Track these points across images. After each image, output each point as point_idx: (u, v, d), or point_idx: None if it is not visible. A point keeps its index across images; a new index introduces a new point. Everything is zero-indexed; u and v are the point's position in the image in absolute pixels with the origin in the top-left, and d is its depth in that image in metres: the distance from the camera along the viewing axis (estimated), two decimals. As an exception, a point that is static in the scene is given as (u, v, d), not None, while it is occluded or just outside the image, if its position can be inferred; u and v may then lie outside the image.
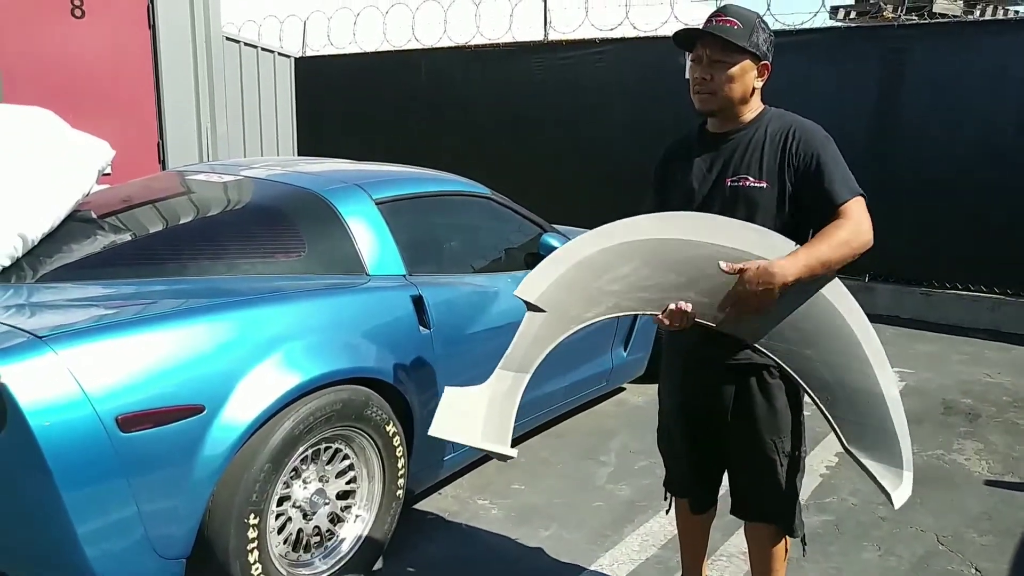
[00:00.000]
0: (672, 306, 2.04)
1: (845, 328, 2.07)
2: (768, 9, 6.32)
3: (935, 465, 3.82)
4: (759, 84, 2.12)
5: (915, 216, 6.34)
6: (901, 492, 2.09)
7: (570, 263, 2.11)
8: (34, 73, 5.52)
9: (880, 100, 6.47)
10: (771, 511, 2.28)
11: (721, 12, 2.10)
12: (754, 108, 2.15)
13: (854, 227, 2.01)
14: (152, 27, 6.11)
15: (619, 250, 2.08)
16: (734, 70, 2.07)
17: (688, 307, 2.03)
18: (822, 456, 3.84)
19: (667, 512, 2.63)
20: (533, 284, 2.13)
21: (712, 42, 2.06)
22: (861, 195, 2.05)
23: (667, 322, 2.06)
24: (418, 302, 2.94)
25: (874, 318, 6.62)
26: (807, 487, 3.49)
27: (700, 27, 2.10)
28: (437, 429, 2.21)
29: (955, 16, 6.96)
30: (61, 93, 5.59)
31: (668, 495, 2.57)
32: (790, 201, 2.08)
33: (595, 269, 2.09)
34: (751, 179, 2.09)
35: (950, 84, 6.15)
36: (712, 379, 2.21)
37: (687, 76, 7.15)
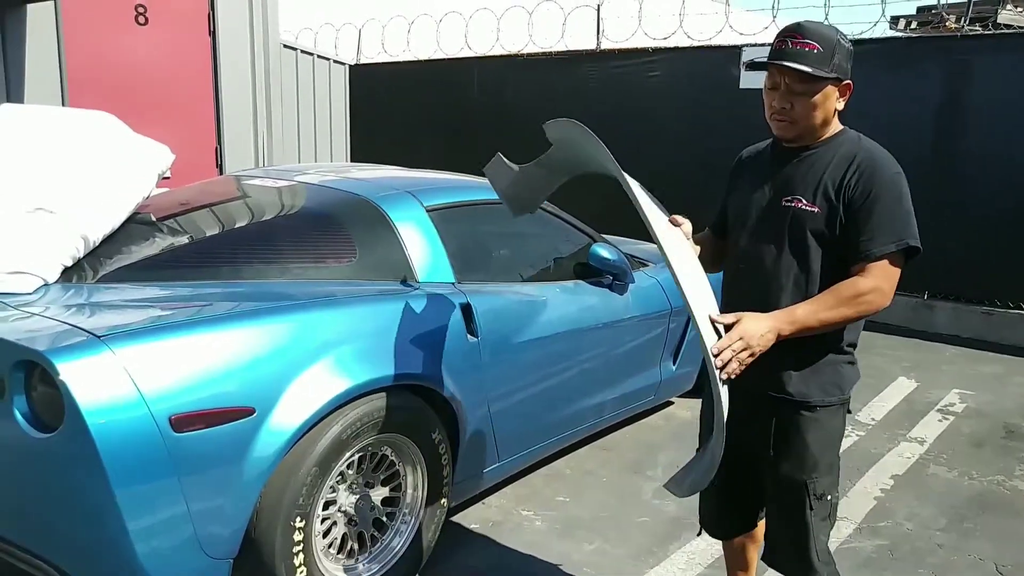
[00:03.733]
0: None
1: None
2: (826, 18, 6.21)
3: (995, 491, 3.68)
4: (840, 105, 2.00)
5: (977, 233, 6.15)
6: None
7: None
8: (98, 78, 5.68)
9: (941, 113, 6.30)
10: (793, 560, 2.11)
11: (796, 31, 1.92)
12: (831, 126, 2.03)
13: (869, 288, 1.89)
14: (212, 34, 6.25)
15: None
16: (816, 98, 1.94)
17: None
18: (876, 478, 3.73)
19: (698, 535, 2.54)
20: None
21: (792, 71, 1.91)
22: (911, 246, 1.90)
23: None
24: (467, 310, 2.94)
25: (933, 336, 6.46)
26: (861, 510, 3.40)
27: (776, 59, 1.93)
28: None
29: (1021, 27, 6.74)
30: (124, 97, 5.75)
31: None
32: (841, 231, 1.94)
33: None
34: (804, 201, 1.98)
35: (1015, 97, 5.96)
36: (750, 410, 2.05)
37: (741, 87, 7.07)
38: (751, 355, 1.85)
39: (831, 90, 1.94)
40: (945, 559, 3.08)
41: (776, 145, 2.11)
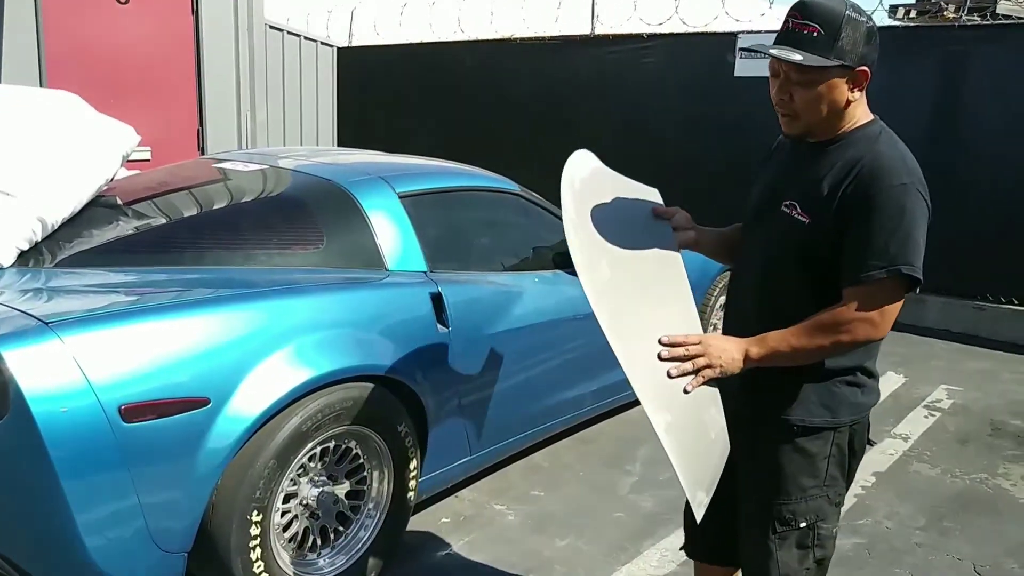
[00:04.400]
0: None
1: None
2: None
3: (978, 489, 3.63)
4: (856, 96, 1.71)
5: (970, 227, 6.07)
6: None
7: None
8: (78, 59, 5.59)
9: (937, 104, 6.21)
10: None
11: (798, 10, 1.67)
12: (853, 119, 1.74)
13: (852, 317, 1.64)
14: (195, 14, 6.15)
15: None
16: (820, 88, 1.68)
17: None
18: (858, 475, 3.62)
19: (680, 549, 2.31)
20: None
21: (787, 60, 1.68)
22: (907, 275, 1.62)
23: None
24: (437, 299, 2.87)
25: (923, 331, 6.40)
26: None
27: (773, 44, 1.70)
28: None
29: (1019, 17, 6.65)
30: (104, 79, 5.67)
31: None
32: (830, 249, 1.69)
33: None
34: (798, 208, 1.74)
35: (1013, 88, 5.87)
36: (730, 426, 1.84)
37: (736, 74, 6.94)
38: (709, 366, 1.67)
39: (836, 79, 1.67)
40: (923, 558, 3.03)
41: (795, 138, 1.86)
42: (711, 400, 1.76)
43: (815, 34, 1.64)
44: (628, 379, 1.63)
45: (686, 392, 1.67)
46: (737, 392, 1.84)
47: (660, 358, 1.67)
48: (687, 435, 1.70)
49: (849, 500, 3.40)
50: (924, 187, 1.68)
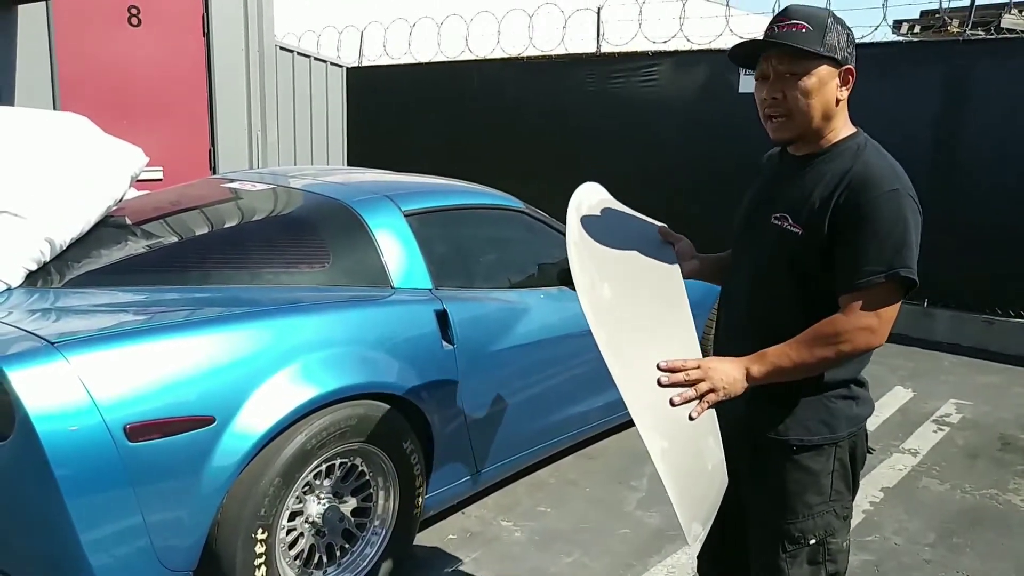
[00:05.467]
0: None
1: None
2: (827, 23, 6.11)
3: (987, 505, 3.60)
4: (843, 95, 1.74)
5: (978, 240, 6.05)
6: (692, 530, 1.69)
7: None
8: (90, 80, 5.66)
9: (942, 119, 6.20)
10: None
11: (783, 16, 1.73)
12: (838, 129, 1.77)
13: (852, 326, 1.64)
14: (206, 36, 6.22)
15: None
16: (810, 81, 1.69)
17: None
18: (866, 491, 3.65)
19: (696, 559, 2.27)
20: None
21: (779, 52, 1.71)
22: (903, 278, 1.63)
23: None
24: (442, 317, 2.88)
25: (932, 345, 6.34)
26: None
27: (760, 38, 1.76)
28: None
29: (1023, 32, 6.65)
30: (117, 100, 5.73)
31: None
32: (824, 262, 1.70)
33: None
34: (789, 220, 1.74)
35: (1018, 102, 5.86)
36: (728, 448, 1.81)
37: (740, 91, 6.95)
38: (712, 391, 1.65)
39: (827, 73, 1.70)
40: (932, 575, 3.00)
41: (784, 152, 1.89)
42: (709, 430, 1.74)
43: (804, 30, 1.69)
44: (624, 401, 1.63)
45: (691, 419, 1.64)
46: (733, 415, 1.83)
47: (660, 384, 1.65)
48: (683, 462, 1.68)
49: (857, 516, 3.39)
50: (914, 192, 1.70)
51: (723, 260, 2.09)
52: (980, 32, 6.41)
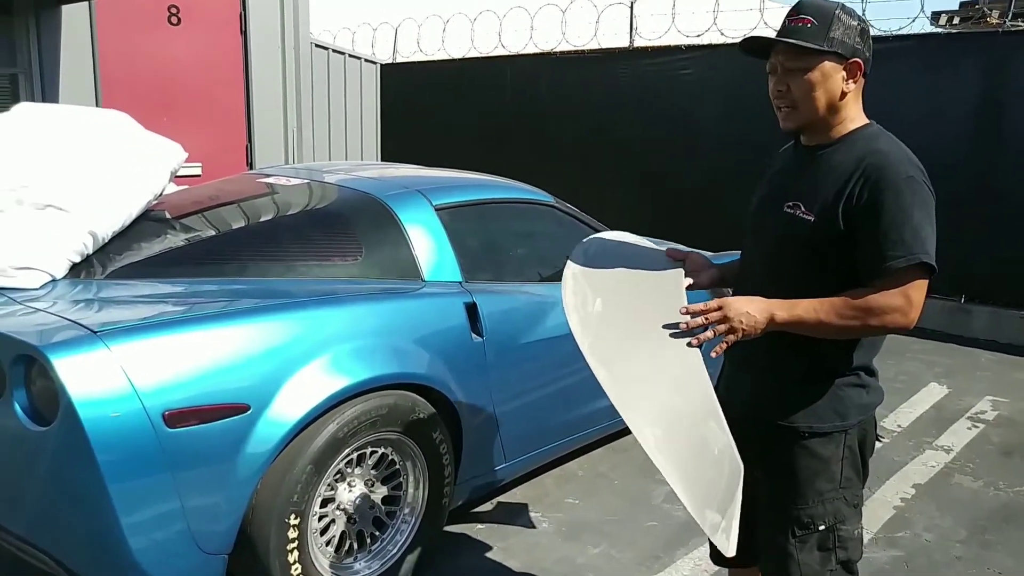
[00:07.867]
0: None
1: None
2: (863, 14, 6.03)
3: (1021, 502, 3.55)
4: (851, 87, 1.78)
5: (1016, 236, 5.92)
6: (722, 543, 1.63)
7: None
8: (131, 78, 5.80)
9: (981, 111, 6.09)
10: None
11: (794, 10, 1.79)
12: (848, 120, 1.81)
13: (887, 305, 1.67)
14: (244, 34, 6.33)
15: None
16: (813, 75, 1.75)
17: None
18: (898, 487, 3.63)
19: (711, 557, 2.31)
20: None
21: (784, 47, 1.77)
22: (925, 264, 1.66)
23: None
24: (472, 309, 2.92)
25: (969, 342, 6.26)
26: (879, 519, 3.30)
27: (762, 36, 1.83)
28: None
29: (1068, 23, 6.51)
30: (156, 97, 5.87)
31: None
32: (840, 245, 1.74)
33: None
34: (802, 208, 1.78)
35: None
36: (738, 436, 1.78)
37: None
38: (731, 331, 1.71)
39: (831, 67, 1.75)
40: (963, 573, 2.98)
41: (797, 143, 1.94)
42: (708, 413, 1.72)
43: (808, 25, 1.75)
44: (604, 388, 1.66)
45: (713, 356, 1.69)
46: (742, 401, 1.87)
47: (680, 329, 1.71)
48: (683, 450, 1.67)
49: (888, 512, 3.37)
50: (928, 179, 1.73)
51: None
52: (1020, 23, 6.28)
